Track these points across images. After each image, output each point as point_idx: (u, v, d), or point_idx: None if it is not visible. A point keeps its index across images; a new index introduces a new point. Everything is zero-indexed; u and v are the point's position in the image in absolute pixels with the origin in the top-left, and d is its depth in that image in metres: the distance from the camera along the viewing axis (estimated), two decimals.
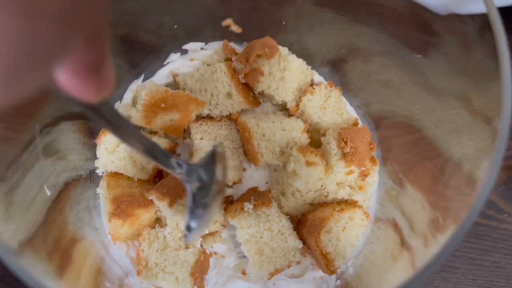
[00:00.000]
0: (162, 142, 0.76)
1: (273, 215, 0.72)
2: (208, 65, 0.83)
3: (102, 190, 0.75)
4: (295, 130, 0.77)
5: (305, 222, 0.74)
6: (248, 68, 0.78)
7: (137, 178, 0.76)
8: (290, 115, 0.82)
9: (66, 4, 0.21)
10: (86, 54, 0.28)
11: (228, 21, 0.85)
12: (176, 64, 0.84)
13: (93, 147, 0.78)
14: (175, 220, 0.73)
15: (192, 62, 0.85)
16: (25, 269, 0.49)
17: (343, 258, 0.72)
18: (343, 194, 0.75)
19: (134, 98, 0.82)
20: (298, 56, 0.81)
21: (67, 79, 0.28)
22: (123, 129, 0.46)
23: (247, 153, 0.78)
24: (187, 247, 0.74)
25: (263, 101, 0.85)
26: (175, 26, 0.81)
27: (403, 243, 0.68)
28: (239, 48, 0.85)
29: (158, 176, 0.79)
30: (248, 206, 0.72)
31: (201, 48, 0.86)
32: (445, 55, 0.69)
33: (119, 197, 0.72)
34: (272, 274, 0.72)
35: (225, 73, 0.78)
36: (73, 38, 0.24)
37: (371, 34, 0.78)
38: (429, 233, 0.59)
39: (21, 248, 0.54)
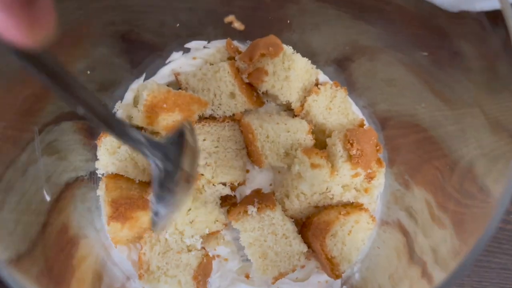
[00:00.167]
0: None
1: (277, 218, 0.71)
2: (210, 64, 0.82)
3: (101, 192, 0.74)
4: (300, 132, 0.75)
5: (310, 226, 0.73)
6: (252, 68, 0.77)
7: (138, 180, 0.75)
8: (294, 116, 0.81)
9: None
10: None
11: (230, 18, 0.83)
12: (178, 63, 0.83)
13: (94, 148, 0.77)
14: (179, 221, 0.72)
15: (195, 61, 0.83)
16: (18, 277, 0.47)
17: (349, 262, 0.71)
18: (348, 196, 0.74)
19: (136, 98, 0.81)
20: (303, 55, 0.80)
21: None
22: (72, 87, 0.38)
23: (251, 154, 0.77)
24: (189, 250, 0.73)
25: (267, 100, 0.84)
26: (177, 25, 0.80)
27: (411, 247, 0.67)
28: (242, 47, 0.84)
29: None
30: (252, 209, 0.71)
31: (204, 47, 0.84)
32: (452, 53, 0.68)
33: (117, 199, 0.71)
34: (276, 278, 0.71)
35: (228, 72, 0.77)
36: None
37: (376, 32, 0.77)
38: (440, 241, 0.58)
39: (16, 253, 0.53)
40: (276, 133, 0.74)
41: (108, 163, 0.73)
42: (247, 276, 0.76)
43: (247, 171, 0.80)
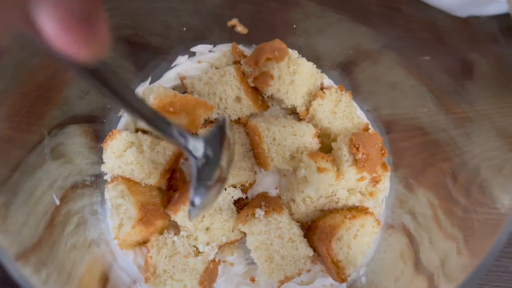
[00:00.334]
0: (169, 147, 0.74)
1: (284, 222, 0.71)
2: (216, 68, 0.82)
3: (115, 193, 0.74)
4: (306, 135, 0.76)
5: (315, 229, 0.73)
6: (258, 72, 0.77)
7: (144, 183, 0.75)
8: (300, 119, 0.81)
9: None
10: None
11: (233, 21, 0.84)
12: (184, 67, 0.83)
13: (100, 151, 0.76)
14: (191, 226, 0.72)
15: (200, 65, 0.83)
16: (25, 276, 0.48)
17: (354, 266, 0.71)
18: (354, 200, 0.74)
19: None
20: (308, 59, 0.80)
21: (52, 28, 0.24)
22: (125, 96, 0.41)
23: (257, 157, 0.77)
24: (196, 254, 0.73)
25: (272, 104, 0.84)
26: (184, 29, 0.80)
27: (416, 251, 0.67)
28: (247, 51, 0.84)
29: (170, 181, 0.79)
30: (260, 212, 0.71)
31: (209, 51, 0.84)
32: (457, 59, 0.68)
33: (146, 204, 0.72)
34: (282, 282, 0.71)
35: (234, 76, 0.77)
36: None
37: (379, 36, 0.77)
38: (447, 253, 0.58)
39: (23, 253, 0.53)
40: (282, 136, 0.74)
41: (115, 166, 0.73)
42: (253, 280, 0.76)
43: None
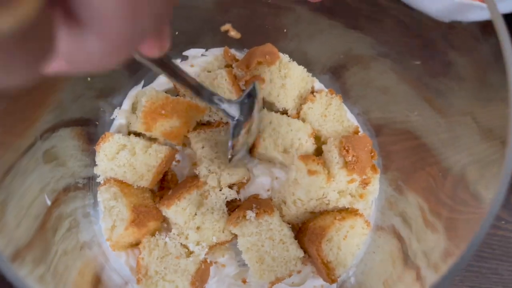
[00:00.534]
0: (161, 149, 0.75)
1: (275, 223, 0.72)
2: (208, 71, 0.83)
3: (108, 195, 0.74)
4: (302, 132, 0.77)
5: (306, 231, 0.74)
6: (249, 75, 0.78)
7: (137, 185, 0.76)
8: None
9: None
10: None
11: (227, 26, 0.85)
12: None
13: (92, 154, 0.77)
14: (182, 222, 0.73)
15: (192, 69, 0.84)
16: (20, 277, 0.48)
17: (344, 266, 0.72)
18: (344, 202, 0.75)
19: (134, 104, 0.82)
20: (299, 63, 0.81)
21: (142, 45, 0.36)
22: (176, 73, 0.56)
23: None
24: (188, 255, 0.73)
25: (264, 107, 0.85)
26: (176, 33, 0.81)
27: (405, 252, 0.68)
28: (239, 55, 0.85)
29: (162, 183, 0.79)
30: (251, 214, 0.71)
31: (202, 55, 0.85)
32: (446, 64, 0.69)
33: (138, 206, 0.72)
34: (272, 283, 0.72)
35: (226, 79, 0.78)
36: (163, 22, 0.33)
37: (370, 41, 0.78)
38: (433, 246, 0.59)
39: (16, 255, 0.54)
40: (279, 122, 0.77)
41: (107, 168, 0.74)
42: (244, 281, 0.76)
43: None
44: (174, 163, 0.81)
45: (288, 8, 0.82)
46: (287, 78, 0.78)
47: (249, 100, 0.71)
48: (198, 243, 0.73)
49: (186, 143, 0.81)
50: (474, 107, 0.63)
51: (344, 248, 0.72)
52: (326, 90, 0.85)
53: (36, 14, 0.23)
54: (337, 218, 0.73)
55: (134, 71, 0.82)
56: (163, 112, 0.74)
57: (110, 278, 0.74)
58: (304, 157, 0.74)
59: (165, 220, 0.77)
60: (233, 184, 0.76)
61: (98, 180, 0.77)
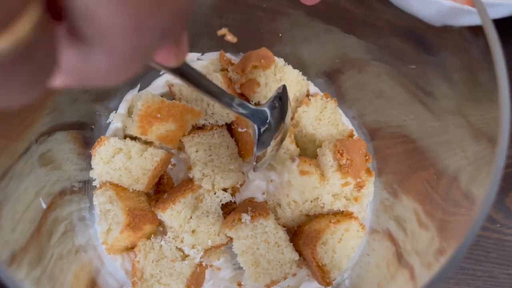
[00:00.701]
0: (157, 153, 0.75)
1: (270, 226, 0.72)
2: None
3: (104, 199, 0.74)
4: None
5: (301, 234, 0.74)
6: (244, 79, 0.79)
7: (132, 189, 0.76)
8: None
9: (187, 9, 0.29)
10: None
11: (223, 30, 0.85)
12: None
13: (88, 157, 0.77)
14: (177, 226, 0.73)
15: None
16: (16, 281, 0.48)
17: (339, 269, 0.72)
18: (339, 205, 0.75)
19: (130, 108, 0.82)
20: (294, 67, 0.82)
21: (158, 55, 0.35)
22: (196, 80, 0.53)
23: (242, 148, 0.79)
24: (183, 259, 0.73)
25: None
26: None
27: (400, 255, 0.68)
28: (235, 59, 0.85)
29: (158, 187, 0.80)
30: (246, 217, 0.72)
31: (198, 59, 0.86)
32: (440, 67, 0.70)
33: (133, 209, 0.72)
34: (268, 286, 0.72)
35: (221, 82, 0.79)
36: (175, 34, 0.32)
37: (366, 45, 0.79)
38: (427, 247, 0.60)
39: (12, 259, 0.54)
40: None
41: (103, 172, 0.74)
42: (239, 284, 0.77)
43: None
44: (169, 166, 0.82)
45: (283, 13, 0.83)
46: (282, 82, 0.78)
47: (279, 105, 0.67)
48: (193, 247, 0.73)
49: (181, 147, 0.81)
50: (466, 109, 0.63)
51: (339, 251, 0.72)
52: (321, 93, 0.85)
53: (34, 33, 0.22)
54: (332, 221, 0.73)
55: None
56: (158, 115, 0.74)
57: (105, 282, 0.74)
58: (295, 158, 0.75)
59: (160, 223, 0.77)
60: (226, 189, 0.77)
61: (94, 183, 0.77)
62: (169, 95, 0.83)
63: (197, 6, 0.82)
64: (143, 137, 0.76)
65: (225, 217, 0.75)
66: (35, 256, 0.60)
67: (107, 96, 0.81)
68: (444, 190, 0.66)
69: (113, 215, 0.73)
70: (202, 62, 0.86)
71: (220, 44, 0.85)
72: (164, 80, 0.84)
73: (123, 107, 0.82)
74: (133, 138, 0.78)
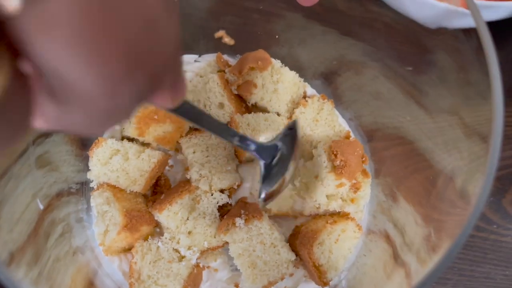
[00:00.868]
0: (154, 154, 0.76)
1: (265, 227, 0.72)
2: (201, 76, 0.84)
3: (101, 200, 0.75)
4: (278, 122, 0.79)
5: (297, 234, 0.74)
6: (241, 80, 0.79)
7: (129, 190, 0.76)
8: None
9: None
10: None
11: (220, 33, 0.86)
12: None
13: (85, 159, 0.77)
14: (173, 227, 0.73)
15: (185, 74, 0.85)
16: (14, 282, 0.48)
17: (336, 270, 0.72)
18: (335, 206, 0.76)
19: None
20: (291, 69, 0.82)
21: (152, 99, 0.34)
22: (198, 119, 0.53)
23: (236, 149, 0.79)
24: (180, 260, 0.73)
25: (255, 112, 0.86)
26: None
27: (396, 255, 0.69)
28: (232, 61, 0.86)
29: (155, 188, 0.80)
30: (240, 221, 0.72)
31: (195, 61, 0.86)
32: (436, 69, 0.70)
33: (130, 210, 0.72)
34: (265, 287, 0.72)
35: (217, 83, 0.79)
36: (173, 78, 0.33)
37: (363, 47, 0.79)
38: (423, 247, 0.60)
39: (10, 260, 0.54)
40: (256, 121, 0.78)
41: (100, 173, 0.74)
42: (237, 286, 0.77)
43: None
44: (167, 168, 0.82)
45: (280, 15, 0.83)
46: (279, 83, 0.79)
47: (286, 142, 0.65)
48: (189, 248, 0.73)
49: (179, 148, 0.81)
50: (460, 109, 0.64)
51: (335, 252, 0.72)
52: (318, 95, 0.85)
53: (4, 95, 0.22)
54: (328, 222, 0.73)
55: None
56: (156, 117, 0.75)
57: (103, 283, 0.74)
58: None
59: (157, 224, 0.77)
60: (223, 191, 0.77)
61: (91, 185, 0.78)
62: None
63: (195, 9, 0.82)
64: (141, 139, 0.77)
65: (221, 219, 0.75)
66: (32, 257, 0.61)
67: None
68: (440, 191, 0.66)
69: (110, 216, 0.73)
70: (199, 63, 0.86)
71: (217, 46, 0.85)
72: None
73: None
74: (131, 139, 0.78)
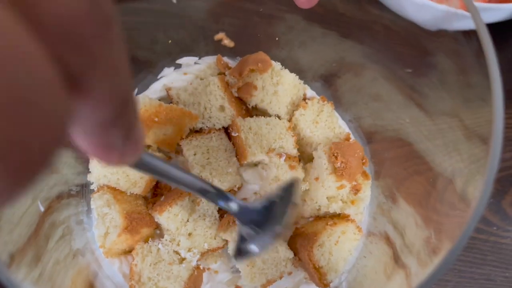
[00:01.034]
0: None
1: None
2: (201, 79, 0.84)
3: (101, 202, 0.75)
4: (279, 126, 0.78)
5: (298, 236, 0.74)
6: (241, 82, 0.79)
7: (130, 192, 0.76)
8: None
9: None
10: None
11: (220, 35, 0.86)
12: (170, 78, 0.85)
13: (86, 161, 0.77)
14: (174, 229, 0.73)
15: (186, 76, 0.85)
16: (15, 283, 0.48)
17: (336, 272, 0.72)
18: (335, 208, 0.76)
19: None
20: (291, 71, 0.82)
21: (88, 150, 0.26)
22: (166, 175, 0.47)
23: (237, 152, 0.79)
24: (181, 262, 0.73)
25: (255, 115, 0.86)
26: (169, 41, 0.82)
27: (396, 257, 0.69)
28: (232, 63, 0.86)
29: (155, 190, 0.80)
30: None
31: (195, 63, 0.87)
32: (435, 71, 0.70)
33: (131, 213, 0.73)
34: (264, 286, 0.72)
35: (218, 86, 0.79)
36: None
37: (362, 49, 0.79)
38: (423, 249, 0.60)
39: (11, 262, 0.54)
40: (258, 125, 0.78)
41: (100, 175, 0.74)
42: (237, 287, 0.77)
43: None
44: None
45: (280, 17, 0.83)
46: (279, 85, 0.79)
47: (280, 205, 0.60)
48: (189, 250, 0.73)
49: (179, 150, 0.81)
50: (460, 111, 0.64)
51: (335, 253, 0.72)
52: (318, 97, 0.86)
53: None
54: (328, 223, 0.74)
55: None
56: (156, 119, 0.75)
57: (103, 285, 0.74)
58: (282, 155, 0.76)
59: (158, 226, 0.77)
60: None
61: (91, 187, 0.78)
62: (167, 98, 0.83)
63: (195, 10, 0.83)
64: None
65: (221, 220, 0.75)
66: (33, 259, 0.61)
67: None
68: (440, 193, 0.66)
69: (110, 218, 0.73)
70: (199, 66, 0.86)
71: (217, 49, 0.86)
72: (162, 84, 0.85)
73: None
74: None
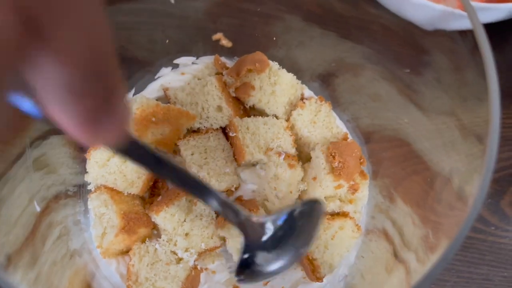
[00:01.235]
0: None
1: None
2: (198, 79, 0.84)
3: (99, 202, 0.74)
4: (277, 126, 0.79)
5: None
6: (239, 82, 0.79)
7: (127, 192, 0.76)
8: None
9: None
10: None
11: (218, 35, 0.86)
12: (167, 78, 0.85)
13: (83, 161, 0.77)
14: (170, 229, 0.73)
15: (183, 76, 0.85)
16: (11, 284, 0.48)
17: (330, 266, 0.72)
18: (333, 207, 0.76)
19: None
20: (288, 71, 0.82)
21: (61, 123, 0.23)
22: (158, 167, 0.43)
23: (235, 152, 0.79)
24: (178, 262, 0.73)
25: (253, 115, 0.86)
26: (167, 41, 0.82)
27: (396, 255, 0.69)
28: (230, 63, 0.86)
29: (153, 190, 0.80)
30: None
31: (192, 63, 0.87)
32: (433, 71, 0.70)
33: (128, 213, 0.72)
34: (264, 283, 0.72)
35: (215, 86, 0.79)
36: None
37: (361, 49, 0.79)
38: (421, 248, 0.60)
39: (8, 263, 0.54)
40: (255, 125, 0.78)
41: (98, 175, 0.74)
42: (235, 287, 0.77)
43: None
44: None
45: (278, 17, 0.83)
46: (276, 85, 0.79)
47: (298, 224, 0.56)
48: (186, 250, 0.73)
49: (177, 150, 0.81)
50: (457, 110, 0.64)
51: (331, 248, 0.72)
52: (316, 97, 0.86)
53: None
54: (326, 217, 0.74)
55: (125, 79, 0.83)
56: (153, 119, 0.74)
57: (100, 286, 0.73)
58: (280, 153, 0.76)
59: (155, 226, 0.77)
60: (222, 191, 0.77)
61: (88, 187, 0.77)
62: (164, 98, 0.83)
63: (192, 10, 0.83)
64: None
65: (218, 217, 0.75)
66: (30, 260, 0.60)
67: None
68: (437, 192, 0.66)
69: (107, 218, 0.73)
70: (197, 66, 0.86)
71: (215, 48, 0.86)
72: (159, 84, 0.84)
73: None
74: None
